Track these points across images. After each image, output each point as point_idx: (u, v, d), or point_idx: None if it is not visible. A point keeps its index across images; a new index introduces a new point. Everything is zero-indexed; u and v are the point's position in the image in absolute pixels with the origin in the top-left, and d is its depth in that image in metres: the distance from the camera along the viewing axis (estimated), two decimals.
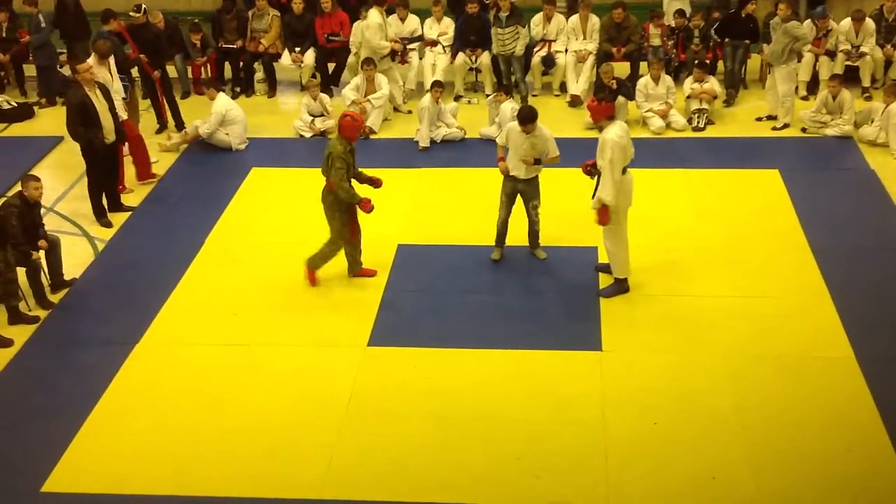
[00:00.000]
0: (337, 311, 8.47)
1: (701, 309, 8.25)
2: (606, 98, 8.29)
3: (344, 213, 8.51)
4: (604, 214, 8.08)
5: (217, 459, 6.79)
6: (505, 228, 9.01)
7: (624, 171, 8.08)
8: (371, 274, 8.84)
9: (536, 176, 8.80)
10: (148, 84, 12.19)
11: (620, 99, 11.25)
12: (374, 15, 12.34)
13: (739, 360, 7.57)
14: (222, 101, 11.65)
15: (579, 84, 12.80)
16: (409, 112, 12.57)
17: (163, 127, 12.28)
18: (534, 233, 9.05)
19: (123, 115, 10.72)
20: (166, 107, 12.19)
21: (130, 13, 11.93)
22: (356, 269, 8.85)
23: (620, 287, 8.47)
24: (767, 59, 12.05)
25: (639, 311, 8.27)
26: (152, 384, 7.62)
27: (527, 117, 8.50)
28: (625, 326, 8.07)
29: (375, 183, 8.60)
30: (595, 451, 6.71)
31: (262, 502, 6.42)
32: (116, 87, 10.70)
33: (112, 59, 10.80)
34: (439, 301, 8.55)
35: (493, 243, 9.08)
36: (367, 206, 8.40)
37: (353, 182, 8.50)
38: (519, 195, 8.85)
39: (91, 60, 10.42)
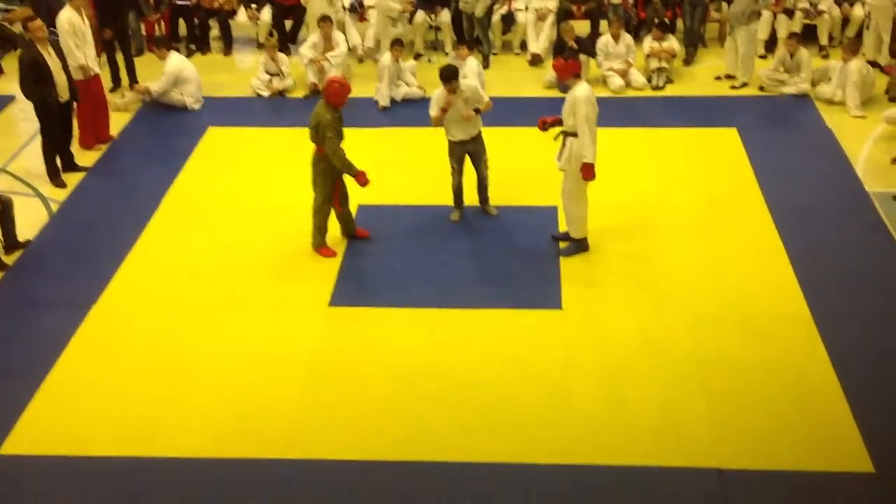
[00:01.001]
0: (297, 271, 8.42)
1: (659, 267, 8.33)
2: (572, 56, 8.22)
3: (337, 178, 8.36)
4: (588, 171, 8.03)
5: (178, 420, 6.75)
6: (461, 191, 9.01)
7: None
8: (364, 235, 8.82)
9: (480, 132, 8.78)
10: (103, 41, 11.93)
11: (581, 57, 11.21)
12: None
13: (698, 317, 7.66)
14: (174, 60, 11.43)
15: (540, 42, 12.75)
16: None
17: (117, 85, 12.04)
18: (483, 188, 9.02)
19: (97, 68, 10.50)
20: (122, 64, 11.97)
21: None
22: (352, 228, 8.78)
23: (580, 246, 8.51)
24: (729, 21, 12.07)
25: (598, 270, 8.33)
26: (110, 345, 7.54)
27: (449, 75, 8.45)
28: (584, 285, 8.13)
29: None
30: (556, 407, 6.77)
31: (225, 463, 6.40)
32: (90, 39, 10.42)
33: (84, 5, 10.49)
34: (400, 261, 8.53)
35: (453, 204, 9.09)
36: (363, 179, 8.24)
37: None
38: (467, 156, 8.83)
39: (67, 9, 10.18)
